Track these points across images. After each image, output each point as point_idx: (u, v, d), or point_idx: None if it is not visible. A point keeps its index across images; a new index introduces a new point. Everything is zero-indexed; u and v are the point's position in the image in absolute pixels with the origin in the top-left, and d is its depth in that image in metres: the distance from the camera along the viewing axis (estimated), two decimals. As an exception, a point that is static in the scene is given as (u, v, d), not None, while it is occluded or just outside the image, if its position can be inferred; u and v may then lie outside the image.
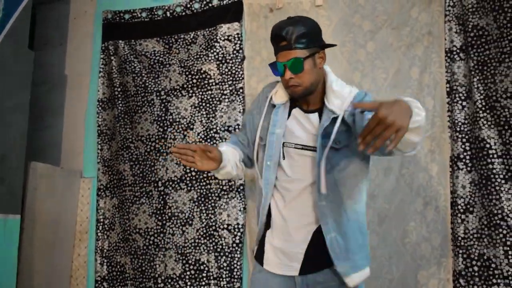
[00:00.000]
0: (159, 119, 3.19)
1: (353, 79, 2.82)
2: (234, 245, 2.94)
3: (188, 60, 3.20)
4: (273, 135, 1.82)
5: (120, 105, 3.29)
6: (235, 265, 2.93)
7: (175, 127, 3.16)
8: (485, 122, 2.50)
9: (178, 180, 3.10)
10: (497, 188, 2.42)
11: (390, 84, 2.77)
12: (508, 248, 2.37)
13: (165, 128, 3.17)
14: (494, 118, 2.48)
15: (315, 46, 1.77)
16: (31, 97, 3.03)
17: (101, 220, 3.25)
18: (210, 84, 3.12)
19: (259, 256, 1.86)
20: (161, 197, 3.11)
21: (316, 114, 1.82)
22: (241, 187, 2.98)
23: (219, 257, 2.96)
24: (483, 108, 2.51)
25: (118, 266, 3.19)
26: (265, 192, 1.82)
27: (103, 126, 3.34)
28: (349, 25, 2.88)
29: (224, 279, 2.94)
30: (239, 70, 3.07)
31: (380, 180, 2.67)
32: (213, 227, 3.00)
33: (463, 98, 2.61)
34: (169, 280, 3.02)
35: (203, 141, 3.09)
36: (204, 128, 3.09)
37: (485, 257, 2.44)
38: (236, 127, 3.00)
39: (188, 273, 3.00)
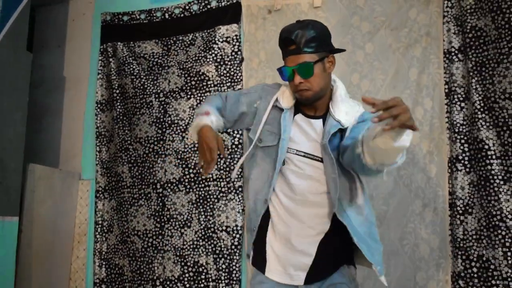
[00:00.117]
0: (158, 121, 3.18)
1: (352, 81, 2.82)
2: (233, 247, 2.94)
3: (187, 62, 3.20)
4: (284, 141, 1.76)
5: (119, 107, 3.29)
6: (234, 267, 2.92)
7: (173, 129, 3.15)
8: (483, 123, 2.49)
9: (177, 182, 3.09)
10: (496, 189, 2.41)
11: (389, 85, 2.76)
12: (507, 249, 2.36)
13: (164, 130, 3.17)
14: (493, 119, 2.48)
15: (324, 50, 1.73)
16: (30, 99, 3.03)
17: (100, 222, 3.24)
18: (209, 86, 3.12)
19: (260, 264, 1.80)
20: (159, 199, 3.10)
21: (320, 121, 1.78)
22: (240, 189, 2.98)
23: (218, 259, 2.95)
24: (482, 109, 2.51)
25: (117, 269, 3.18)
26: (263, 196, 1.79)
27: (101, 128, 3.34)
28: (347, 27, 2.88)
29: (223, 281, 2.93)
30: (237, 71, 3.07)
31: (379, 182, 2.67)
32: (212, 229, 3.00)
33: (461, 99, 2.60)
34: (168, 282, 3.01)
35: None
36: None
37: (484, 258, 2.43)
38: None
39: (186, 275, 2.99)
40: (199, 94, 3.14)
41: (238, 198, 2.97)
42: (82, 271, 3.26)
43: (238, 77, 3.07)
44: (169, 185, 3.10)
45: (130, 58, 3.31)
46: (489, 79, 2.50)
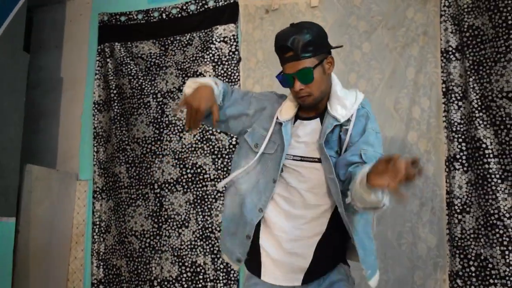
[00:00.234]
0: (155, 121, 3.18)
1: (349, 80, 2.81)
2: (231, 247, 2.93)
3: (184, 62, 3.19)
4: (285, 153, 1.72)
5: (116, 107, 3.28)
6: (231, 267, 2.92)
7: (171, 129, 3.15)
8: (481, 122, 2.49)
9: (174, 182, 3.09)
10: (494, 188, 2.41)
11: (386, 85, 2.76)
12: (505, 248, 2.36)
13: (161, 130, 3.16)
14: (490, 117, 2.48)
15: (322, 52, 1.69)
16: (28, 99, 3.03)
17: (97, 222, 3.24)
18: (206, 86, 3.11)
19: (254, 268, 1.76)
20: (157, 199, 3.10)
21: (317, 120, 1.75)
22: (238, 189, 2.97)
23: (216, 259, 2.95)
24: (479, 108, 2.51)
25: (114, 269, 3.18)
26: (259, 205, 1.74)
27: (99, 128, 3.34)
28: (344, 26, 2.88)
29: (221, 281, 2.93)
30: (235, 71, 3.07)
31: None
32: (210, 229, 2.99)
33: (459, 98, 2.60)
34: (165, 283, 3.01)
35: (199, 142, 3.08)
36: (200, 130, 3.08)
37: (482, 257, 2.43)
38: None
39: (184, 275, 2.99)
40: (196, 94, 3.13)
41: (236, 198, 2.97)
42: (80, 272, 3.26)
43: (235, 77, 3.07)
44: (167, 185, 3.09)
45: (128, 59, 3.30)
46: (486, 78, 2.50)
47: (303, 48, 1.63)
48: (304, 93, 1.68)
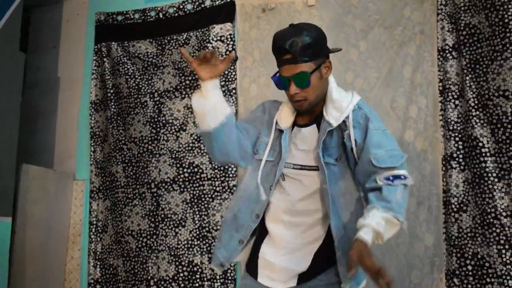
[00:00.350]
0: (152, 120, 3.17)
1: (346, 79, 2.81)
2: (228, 246, 2.92)
3: (181, 62, 3.19)
4: (283, 161, 1.70)
5: (113, 107, 3.28)
6: (228, 267, 2.91)
7: (168, 129, 3.14)
8: (477, 120, 2.49)
9: (171, 182, 3.08)
10: (490, 186, 2.40)
11: (383, 83, 2.76)
12: (502, 247, 2.35)
13: (158, 129, 3.16)
14: (487, 116, 2.47)
15: (320, 56, 1.65)
16: (24, 99, 3.03)
17: (94, 222, 3.23)
18: (203, 85, 3.11)
19: (252, 269, 1.75)
20: (154, 199, 3.09)
21: (313, 127, 1.72)
22: (234, 188, 2.96)
23: (213, 259, 2.94)
24: (476, 107, 2.50)
25: (111, 269, 3.17)
26: (255, 211, 1.72)
27: (95, 128, 3.33)
28: (341, 25, 2.87)
29: (218, 281, 2.92)
30: (231, 70, 3.06)
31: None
32: (206, 229, 2.99)
33: (455, 96, 2.60)
34: (162, 282, 3.00)
35: (196, 142, 3.07)
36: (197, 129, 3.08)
37: (478, 256, 2.42)
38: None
39: (181, 275, 2.98)
40: (193, 93, 3.13)
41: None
42: (77, 272, 3.25)
43: (232, 76, 3.06)
44: (164, 184, 3.09)
45: (125, 58, 3.30)
46: (483, 77, 2.49)
47: (301, 52, 1.60)
48: (299, 97, 1.66)
